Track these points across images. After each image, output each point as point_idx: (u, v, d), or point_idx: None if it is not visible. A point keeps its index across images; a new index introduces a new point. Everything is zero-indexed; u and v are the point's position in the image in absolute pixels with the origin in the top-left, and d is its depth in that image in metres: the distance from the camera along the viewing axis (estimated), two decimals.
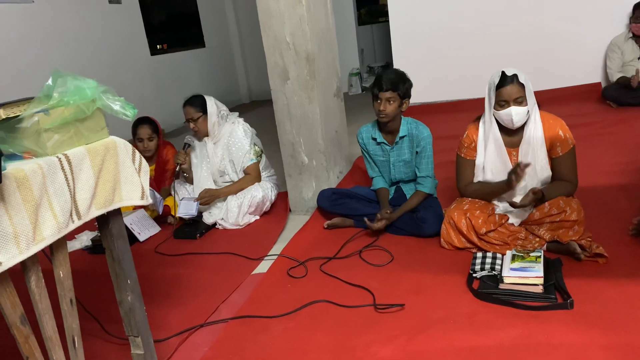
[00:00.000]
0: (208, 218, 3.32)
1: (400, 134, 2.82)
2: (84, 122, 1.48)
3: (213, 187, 3.39)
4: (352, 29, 8.51)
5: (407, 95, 2.74)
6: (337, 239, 2.85)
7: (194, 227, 3.28)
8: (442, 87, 5.94)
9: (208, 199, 3.27)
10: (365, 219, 2.76)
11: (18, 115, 1.33)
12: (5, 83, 4.67)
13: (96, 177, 1.47)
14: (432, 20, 5.89)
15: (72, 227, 1.40)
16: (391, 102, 2.70)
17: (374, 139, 2.91)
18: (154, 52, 6.90)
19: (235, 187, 3.33)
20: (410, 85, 2.76)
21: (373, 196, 2.99)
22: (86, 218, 1.45)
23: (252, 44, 8.56)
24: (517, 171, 2.27)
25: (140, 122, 3.54)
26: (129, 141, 1.70)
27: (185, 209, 3.24)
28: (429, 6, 5.87)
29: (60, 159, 1.37)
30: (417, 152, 2.83)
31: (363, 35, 8.91)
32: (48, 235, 1.30)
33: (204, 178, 3.40)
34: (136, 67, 6.51)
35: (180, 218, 3.38)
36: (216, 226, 3.34)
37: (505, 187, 2.39)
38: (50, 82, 1.41)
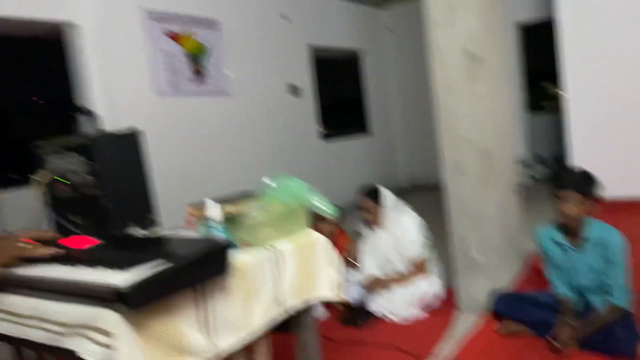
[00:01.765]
0: (374, 307, 3.34)
1: (586, 236, 2.60)
2: (291, 217, 1.63)
3: (378, 274, 3.43)
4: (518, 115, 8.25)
5: (591, 195, 2.55)
6: (513, 346, 2.65)
7: (359, 314, 3.31)
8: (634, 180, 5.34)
9: (374, 287, 3.31)
10: (553, 341, 2.52)
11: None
12: (209, 169, 5.35)
13: (299, 270, 1.59)
14: (615, 106, 5.39)
15: (276, 315, 1.52)
16: (573, 202, 2.52)
17: (555, 241, 2.72)
18: (323, 138, 7.45)
19: (403, 279, 3.34)
20: (596, 184, 2.56)
21: (555, 303, 2.75)
22: (287, 307, 1.56)
23: (415, 130, 8.76)
24: None
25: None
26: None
27: (348, 291, 3.31)
28: (609, 90, 5.39)
29: (270, 250, 1.52)
30: (606, 260, 2.57)
31: (527, 121, 8.58)
32: (257, 323, 1.43)
33: (370, 265, 3.47)
34: (307, 152, 7.07)
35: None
36: (381, 316, 3.33)
37: None
38: (268, 181, 1.61)
